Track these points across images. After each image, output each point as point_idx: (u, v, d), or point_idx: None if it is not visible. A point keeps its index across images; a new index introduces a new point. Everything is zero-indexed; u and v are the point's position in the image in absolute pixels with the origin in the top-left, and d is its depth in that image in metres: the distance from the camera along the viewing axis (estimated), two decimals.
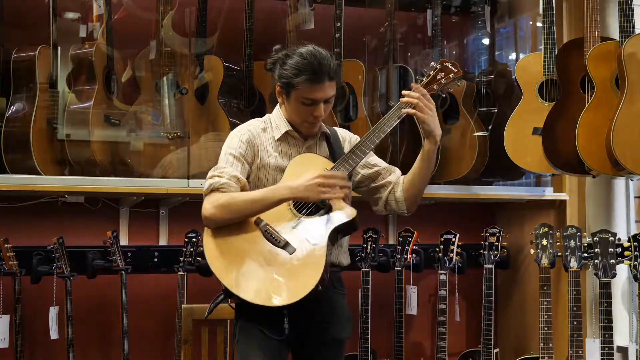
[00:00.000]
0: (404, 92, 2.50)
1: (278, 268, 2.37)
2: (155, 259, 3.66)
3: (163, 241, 3.76)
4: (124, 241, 3.63)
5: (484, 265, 3.59)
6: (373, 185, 2.63)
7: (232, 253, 2.40)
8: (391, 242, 4.08)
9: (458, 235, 3.67)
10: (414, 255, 3.69)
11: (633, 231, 3.74)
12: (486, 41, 4.26)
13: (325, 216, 2.42)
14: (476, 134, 3.89)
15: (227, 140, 2.54)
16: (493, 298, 3.53)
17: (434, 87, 2.56)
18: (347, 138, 2.65)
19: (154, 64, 3.60)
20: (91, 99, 3.43)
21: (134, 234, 3.72)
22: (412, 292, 3.77)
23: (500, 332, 4.18)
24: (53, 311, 3.29)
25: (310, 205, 2.44)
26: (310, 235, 2.39)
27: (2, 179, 3.20)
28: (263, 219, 2.42)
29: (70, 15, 3.64)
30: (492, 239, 3.63)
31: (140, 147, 3.60)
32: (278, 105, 2.59)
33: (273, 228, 2.41)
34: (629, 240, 3.28)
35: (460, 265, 3.71)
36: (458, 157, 3.91)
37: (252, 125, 2.57)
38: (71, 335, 3.24)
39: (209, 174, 2.47)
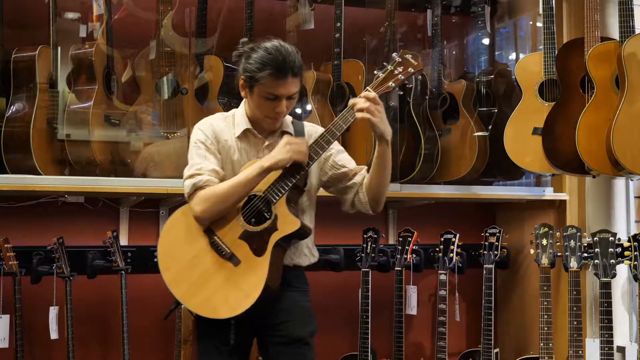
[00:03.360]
0: (351, 101, 2.47)
1: (224, 280, 2.42)
2: (155, 259, 3.63)
3: None
4: (124, 241, 3.63)
5: (484, 265, 3.59)
6: (341, 186, 2.64)
7: (182, 264, 2.46)
8: (391, 242, 4.08)
9: (458, 235, 3.67)
10: (414, 255, 3.69)
11: (633, 231, 3.74)
12: (486, 41, 4.26)
13: (271, 227, 2.44)
14: (476, 134, 3.89)
15: (192, 136, 2.56)
16: (493, 298, 3.53)
17: (390, 84, 2.48)
18: (314, 134, 2.61)
19: (154, 64, 3.59)
20: (91, 99, 3.42)
21: (134, 234, 3.72)
22: (412, 292, 3.77)
23: (500, 332, 4.18)
24: (53, 311, 3.28)
25: (258, 215, 2.45)
26: (255, 247, 2.43)
27: (2, 179, 3.20)
28: (213, 230, 2.46)
29: (70, 15, 3.64)
30: (492, 239, 3.63)
31: (140, 147, 3.59)
32: (244, 101, 2.60)
33: (220, 239, 2.45)
34: (629, 240, 3.28)
35: (460, 265, 3.71)
36: (458, 157, 3.91)
37: (215, 119, 2.60)
38: (71, 335, 3.24)
39: (187, 174, 2.49)
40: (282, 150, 2.41)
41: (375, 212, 2.63)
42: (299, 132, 2.60)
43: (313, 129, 2.65)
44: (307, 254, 2.61)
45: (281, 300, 2.52)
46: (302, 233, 2.48)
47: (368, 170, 2.60)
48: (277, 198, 2.43)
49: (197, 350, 2.61)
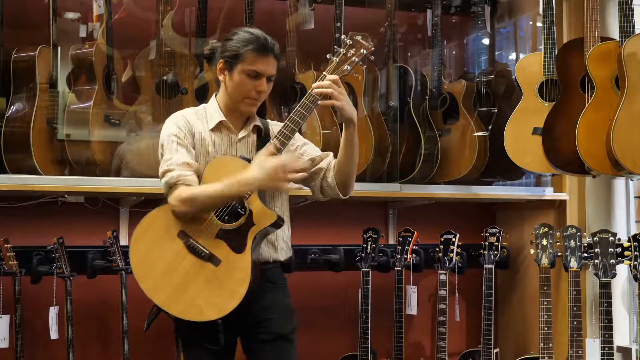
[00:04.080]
0: (314, 85, 2.46)
1: (206, 281, 2.41)
2: None
3: None
4: (124, 241, 3.63)
5: (484, 265, 3.59)
6: (308, 172, 2.62)
7: (160, 271, 2.44)
8: (391, 242, 4.08)
9: (458, 235, 3.67)
10: (414, 255, 3.69)
11: (633, 231, 3.74)
12: (486, 41, 4.26)
13: (247, 222, 2.43)
14: (476, 134, 3.89)
15: (163, 129, 2.55)
16: (493, 298, 3.53)
17: (346, 67, 2.49)
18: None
19: (154, 64, 3.59)
20: (91, 99, 3.42)
21: None
22: (412, 292, 3.77)
23: (500, 332, 4.18)
24: (53, 311, 3.28)
25: (231, 212, 2.44)
26: (234, 244, 2.42)
27: (2, 179, 3.20)
28: (187, 232, 2.44)
29: (70, 15, 3.64)
30: (492, 239, 3.63)
31: (141, 147, 3.59)
32: (214, 95, 2.61)
33: (196, 241, 2.43)
34: (629, 240, 3.28)
35: (460, 265, 3.71)
36: (458, 157, 3.91)
37: (186, 112, 2.60)
38: (71, 335, 3.24)
39: (160, 170, 2.49)
40: (274, 176, 2.37)
41: (345, 196, 2.62)
42: (266, 131, 2.61)
43: (277, 127, 2.63)
44: (283, 247, 2.61)
45: (264, 298, 2.52)
46: (278, 224, 2.48)
47: (335, 156, 2.61)
48: (249, 193, 2.43)
49: (184, 354, 2.59)
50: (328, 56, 2.52)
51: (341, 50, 2.50)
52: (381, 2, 3.98)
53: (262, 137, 2.58)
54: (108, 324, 3.59)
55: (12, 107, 3.36)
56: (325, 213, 3.78)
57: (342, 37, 2.52)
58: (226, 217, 2.44)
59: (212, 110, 2.58)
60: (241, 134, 2.57)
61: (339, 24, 3.68)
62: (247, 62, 2.47)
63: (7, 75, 3.37)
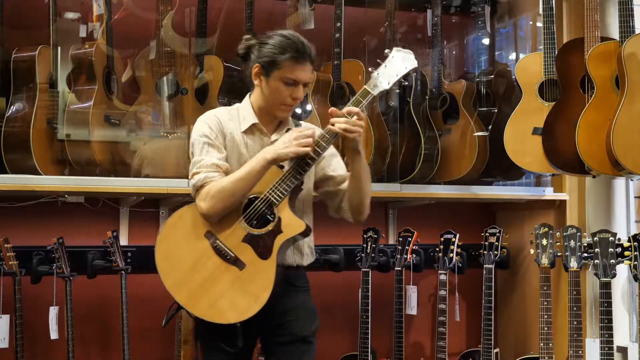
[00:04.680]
0: (332, 120, 2.43)
1: (229, 284, 2.39)
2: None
3: None
4: (124, 241, 3.64)
5: (484, 265, 3.59)
6: (327, 189, 2.62)
7: (184, 269, 2.42)
8: (391, 242, 4.09)
9: (458, 235, 3.68)
10: (414, 255, 3.69)
11: (633, 231, 3.74)
12: (486, 41, 4.27)
13: (274, 229, 2.42)
14: (476, 134, 3.89)
15: (196, 129, 2.52)
16: (493, 298, 3.53)
17: (386, 83, 2.49)
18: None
19: (154, 64, 3.59)
20: (91, 99, 3.42)
21: (134, 234, 3.72)
22: (412, 292, 3.77)
23: (500, 332, 4.18)
24: (53, 311, 3.28)
25: (260, 218, 2.43)
26: (260, 250, 2.40)
27: (2, 179, 3.20)
28: (214, 233, 2.42)
29: (70, 15, 3.64)
30: (492, 239, 3.63)
31: (140, 147, 3.59)
32: (248, 95, 2.58)
33: (223, 243, 2.42)
34: (629, 240, 3.28)
35: (460, 265, 3.71)
36: (458, 157, 3.91)
37: (219, 112, 2.57)
38: (71, 335, 3.24)
39: (190, 172, 2.47)
40: (287, 143, 2.38)
41: (357, 222, 2.60)
42: None
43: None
44: (308, 253, 2.61)
45: (288, 301, 2.51)
46: (306, 234, 2.47)
47: None
48: (280, 200, 2.41)
49: (202, 354, 2.59)
50: (370, 69, 2.49)
51: (383, 64, 2.47)
52: (381, 2, 3.98)
53: None
54: (108, 324, 3.59)
55: (12, 107, 3.36)
56: (325, 213, 3.77)
57: (386, 51, 2.48)
58: (254, 222, 2.42)
59: (245, 112, 2.54)
60: (274, 137, 2.54)
61: (339, 24, 3.69)
62: (285, 70, 2.43)
63: (7, 75, 3.37)
